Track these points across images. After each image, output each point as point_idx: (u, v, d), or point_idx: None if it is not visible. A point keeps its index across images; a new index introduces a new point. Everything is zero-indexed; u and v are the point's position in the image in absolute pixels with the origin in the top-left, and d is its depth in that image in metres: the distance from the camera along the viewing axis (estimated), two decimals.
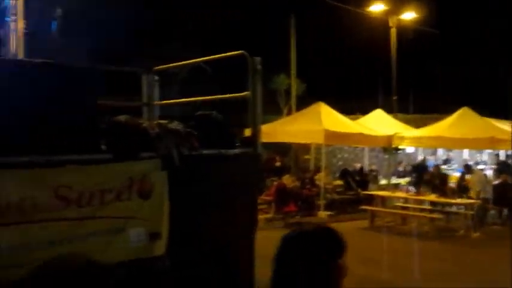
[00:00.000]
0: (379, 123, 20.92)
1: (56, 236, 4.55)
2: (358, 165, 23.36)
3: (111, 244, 4.84)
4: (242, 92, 5.96)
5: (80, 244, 4.63)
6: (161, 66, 7.08)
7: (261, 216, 12.54)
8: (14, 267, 4.33)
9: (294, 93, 27.18)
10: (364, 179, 21.55)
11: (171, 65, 7.09)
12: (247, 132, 6.27)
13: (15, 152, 4.34)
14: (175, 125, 5.18)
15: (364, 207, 17.43)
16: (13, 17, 6.43)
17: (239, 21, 25.89)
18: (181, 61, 7.08)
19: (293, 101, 27.15)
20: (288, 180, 17.94)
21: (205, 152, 5.30)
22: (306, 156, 23.75)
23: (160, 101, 7.20)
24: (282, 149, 23.78)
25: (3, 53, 7.27)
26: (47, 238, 4.50)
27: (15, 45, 7.12)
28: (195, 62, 6.94)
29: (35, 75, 4.52)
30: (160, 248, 5.10)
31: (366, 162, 24.43)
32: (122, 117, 4.87)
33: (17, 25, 6.96)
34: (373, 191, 19.23)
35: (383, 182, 21.76)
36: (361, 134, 18.67)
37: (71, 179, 4.53)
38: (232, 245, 5.54)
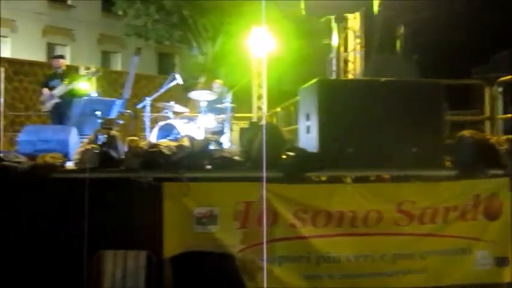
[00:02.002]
0: None
1: (397, 250, 4.61)
2: None
3: (454, 265, 4.66)
4: None
5: (420, 260, 4.61)
6: (507, 77, 6.56)
7: None
8: (358, 276, 4.58)
9: None
10: None
11: None
12: None
13: (363, 166, 4.59)
14: None
15: None
16: (358, 40, 6.91)
17: None
18: None
19: None
20: None
21: None
22: None
23: (505, 114, 6.67)
24: None
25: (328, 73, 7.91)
26: (389, 251, 4.60)
27: (356, 65, 7.59)
28: None
29: (381, 93, 4.70)
30: (508, 274, 4.69)
31: None
32: (468, 132, 4.66)
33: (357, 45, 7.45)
34: None
35: None
36: None
37: (415, 195, 4.54)
38: None
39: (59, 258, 4.11)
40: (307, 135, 4.88)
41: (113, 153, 4.35)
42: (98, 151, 4.33)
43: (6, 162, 4.17)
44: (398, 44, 5.81)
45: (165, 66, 24.93)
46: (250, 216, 4.33)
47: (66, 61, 9.21)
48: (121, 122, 9.11)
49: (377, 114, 4.61)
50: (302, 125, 5.12)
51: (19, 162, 4.24)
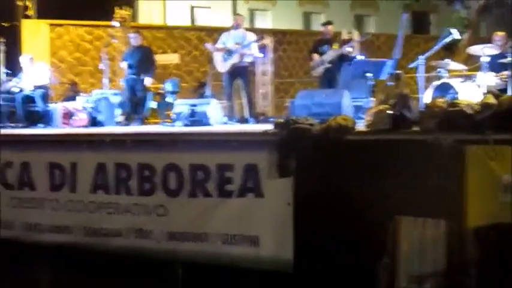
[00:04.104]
0: None
1: None
2: None
3: None
4: None
5: None
6: None
7: None
8: None
9: None
10: None
11: None
12: None
13: None
14: None
15: None
16: None
17: None
18: None
19: None
20: None
21: None
22: None
23: None
24: None
25: None
26: None
27: None
28: None
29: None
30: None
31: None
32: None
33: None
34: None
35: None
36: None
37: None
38: None
39: (354, 222, 4.02)
40: None
41: (407, 114, 4.05)
42: (390, 112, 4.07)
43: (300, 124, 4.19)
44: None
45: (419, 26, 23.78)
46: None
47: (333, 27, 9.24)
48: (391, 83, 8.81)
49: None
50: None
51: (311, 125, 4.23)
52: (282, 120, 4.30)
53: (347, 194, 4.05)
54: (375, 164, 3.97)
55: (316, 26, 22.56)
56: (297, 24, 21.90)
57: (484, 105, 3.83)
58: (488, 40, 8.54)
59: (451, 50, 12.29)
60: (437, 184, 3.87)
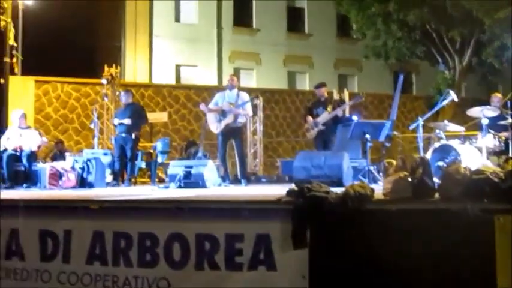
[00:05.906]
0: None
1: None
2: None
3: None
4: None
5: None
6: None
7: None
8: None
9: None
10: None
11: None
12: None
13: None
14: None
15: None
16: None
17: None
18: None
19: None
20: None
21: None
22: None
23: None
24: None
25: None
26: None
27: None
28: None
29: None
30: None
31: None
32: None
33: None
34: None
35: None
36: None
37: None
38: None
39: None
40: None
41: (428, 181, 3.86)
42: (411, 179, 3.88)
43: (315, 192, 3.96)
44: None
45: (402, 85, 24.19)
46: None
47: (328, 88, 9.19)
48: (388, 144, 8.72)
49: None
50: None
51: (327, 192, 4.00)
52: (295, 188, 4.06)
53: (367, 266, 3.79)
54: (397, 235, 3.74)
55: (301, 85, 22.84)
56: (281, 83, 22.08)
57: (509, 173, 3.67)
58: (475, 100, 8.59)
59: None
60: (466, 257, 3.65)
